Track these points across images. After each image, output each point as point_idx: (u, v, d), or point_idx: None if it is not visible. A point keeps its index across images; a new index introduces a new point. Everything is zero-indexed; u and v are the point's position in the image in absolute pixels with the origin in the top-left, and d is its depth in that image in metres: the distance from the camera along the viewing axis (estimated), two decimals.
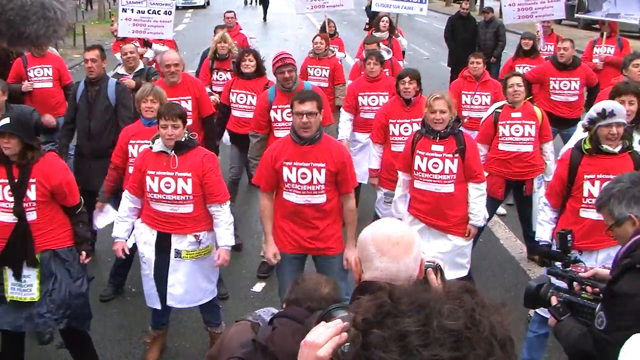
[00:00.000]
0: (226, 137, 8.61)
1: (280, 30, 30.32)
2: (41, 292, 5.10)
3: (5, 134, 4.93)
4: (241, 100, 8.12)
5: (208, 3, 44.23)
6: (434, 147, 6.07)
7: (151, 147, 5.61)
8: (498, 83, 8.97)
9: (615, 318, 3.19)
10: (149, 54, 11.26)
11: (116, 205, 6.17)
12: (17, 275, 5.08)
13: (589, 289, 3.51)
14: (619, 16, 11.32)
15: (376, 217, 7.07)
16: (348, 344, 1.60)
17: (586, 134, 5.35)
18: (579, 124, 6.09)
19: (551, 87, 9.40)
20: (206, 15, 35.00)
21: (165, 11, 10.97)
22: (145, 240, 5.63)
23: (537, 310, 5.31)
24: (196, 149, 5.60)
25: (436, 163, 6.06)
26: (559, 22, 19.66)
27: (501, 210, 8.77)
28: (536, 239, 5.73)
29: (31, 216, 5.08)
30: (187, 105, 7.47)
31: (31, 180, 5.03)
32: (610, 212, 3.62)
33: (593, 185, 5.30)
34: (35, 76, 9.33)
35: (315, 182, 5.52)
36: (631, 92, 6.17)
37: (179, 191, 5.45)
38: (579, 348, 3.38)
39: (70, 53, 20.65)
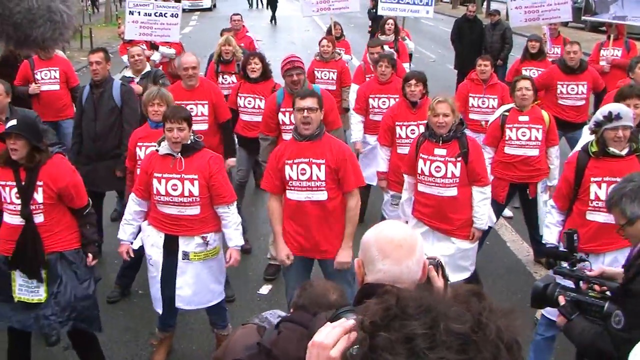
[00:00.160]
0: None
1: (287, 33, 30.36)
2: (48, 293, 5.12)
3: (12, 135, 4.95)
4: (249, 104, 8.13)
5: (215, 6, 44.33)
6: (437, 151, 6.06)
7: (157, 150, 5.63)
8: (505, 86, 8.95)
9: (633, 316, 3.22)
10: (156, 56, 11.30)
11: (123, 207, 6.19)
12: (34, 275, 5.11)
13: (596, 287, 3.51)
14: (626, 19, 11.30)
15: (383, 220, 7.06)
16: (356, 346, 1.61)
17: (593, 137, 5.34)
18: (585, 128, 6.07)
19: (559, 92, 9.35)
20: (213, 18, 35.07)
21: (172, 14, 11.03)
22: (153, 242, 5.64)
23: (544, 313, 5.31)
24: (202, 151, 5.61)
25: (438, 167, 6.05)
26: (565, 24, 19.62)
27: (508, 213, 8.76)
28: (543, 242, 5.72)
29: (38, 218, 5.10)
30: (204, 109, 7.50)
31: (38, 182, 5.05)
32: (622, 211, 3.61)
33: (600, 188, 5.29)
34: (42, 79, 9.38)
35: (315, 178, 5.54)
36: (636, 95, 6.14)
37: (186, 193, 5.46)
38: (597, 347, 3.39)
39: (77, 55, 20.72)
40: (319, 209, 5.59)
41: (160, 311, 5.77)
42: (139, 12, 10.81)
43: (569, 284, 3.64)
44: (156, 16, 10.89)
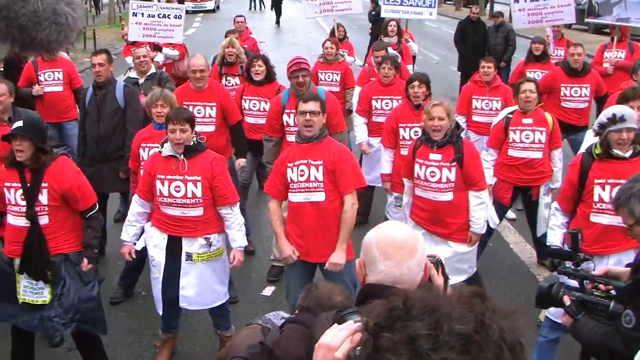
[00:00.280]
0: None
1: (291, 34, 30.35)
2: (52, 295, 5.14)
3: (17, 136, 4.97)
4: (254, 106, 8.13)
5: (218, 7, 44.32)
6: (432, 156, 6.06)
7: (160, 151, 5.64)
8: (509, 88, 8.93)
9: None
10: (159, 58, 11.31)
11: (126, 208, 6.20)
12: (40, 277, 5.12)
13: (601, 286, 3.51)
14: (629, 20, 11.28)
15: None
16: (360, 347, 1.62)
17: (597, 139, 5.33)
18: (589, 131, 6.06)
19: (562, 94, 9.29)
20: (216, 20, 35.06)
21: (176, 15, 11.03)
22: (156, 243, 5.65)
23: (547, 315, 5.30)
24: (205, 152, 5.62)
25: (433, 172, 6.05)
26: (569, 26, 19.61)
27: (511, 214, 8.75)
28: (547, 244, 5.71)
29: (43, 220, 5.11)
30: (212, 111, 7.51)
31: (43, 184, 5.06)
32: (631, 211, 3.60)
33: (603, 190, 5.28)
34: (45, 80, 9.39)
35: (312, 179, 5.55)
36: (638, 97, 6.14)
37: (189, 194, 5.47)
38: (608, 346, 3.38)
39: (80, 57, 20.71)
40: (317, 210, 5.59)
41: (160, 310, 5.78)
42: (142, 14, 10.83)
43: (574, 283, 3.64)
44: (159, 17, 10.91)
